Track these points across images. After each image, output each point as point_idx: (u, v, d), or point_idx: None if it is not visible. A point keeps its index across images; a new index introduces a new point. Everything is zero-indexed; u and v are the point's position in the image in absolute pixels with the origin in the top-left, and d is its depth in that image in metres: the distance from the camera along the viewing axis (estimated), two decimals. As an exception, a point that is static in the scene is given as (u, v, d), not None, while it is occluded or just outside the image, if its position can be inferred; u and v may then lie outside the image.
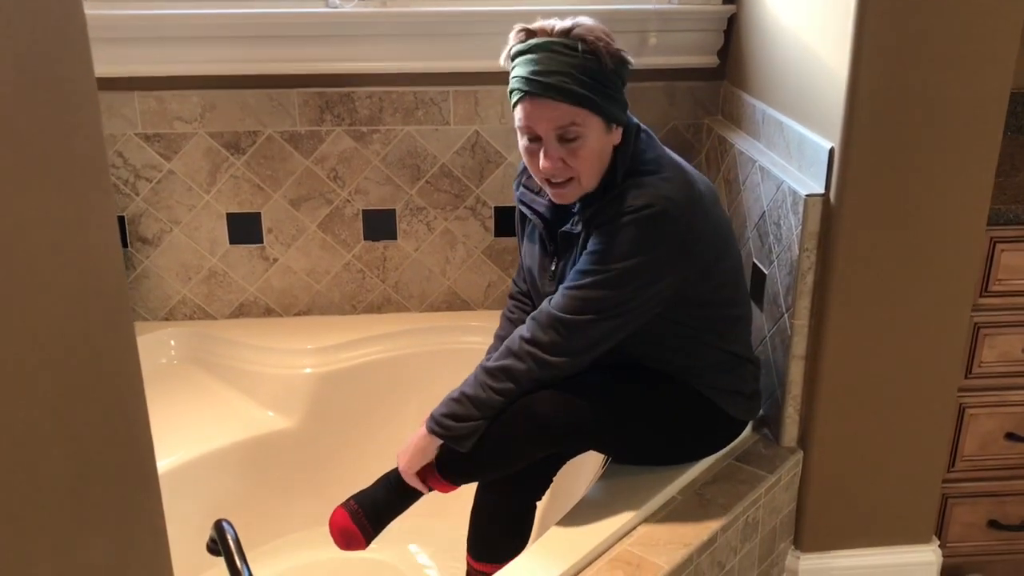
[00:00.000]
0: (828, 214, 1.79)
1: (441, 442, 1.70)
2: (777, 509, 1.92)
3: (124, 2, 2.26)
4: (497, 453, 1.70)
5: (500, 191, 2.44)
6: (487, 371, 1.68)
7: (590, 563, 1.62)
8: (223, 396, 2.33)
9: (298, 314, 2.52)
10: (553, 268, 1.76)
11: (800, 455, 1.94)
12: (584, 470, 1.98)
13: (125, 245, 2.39)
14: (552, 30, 1.58)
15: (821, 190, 1.80)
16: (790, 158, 1.95)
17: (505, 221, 2.47)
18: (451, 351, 2.44)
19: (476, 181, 2.43)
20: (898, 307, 1.84)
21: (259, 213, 2.41)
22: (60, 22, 0.66)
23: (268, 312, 2.51)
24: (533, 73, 1.57)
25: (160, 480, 2.13)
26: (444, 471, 1.73)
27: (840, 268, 1.80)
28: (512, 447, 1.69)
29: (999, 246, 1.91)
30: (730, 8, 2.31)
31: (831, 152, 1.77)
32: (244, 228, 2.42)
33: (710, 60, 2.38)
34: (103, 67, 2.24)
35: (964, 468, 2.09)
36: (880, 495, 1.98)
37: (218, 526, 1.30)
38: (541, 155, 1.61)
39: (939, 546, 2.04)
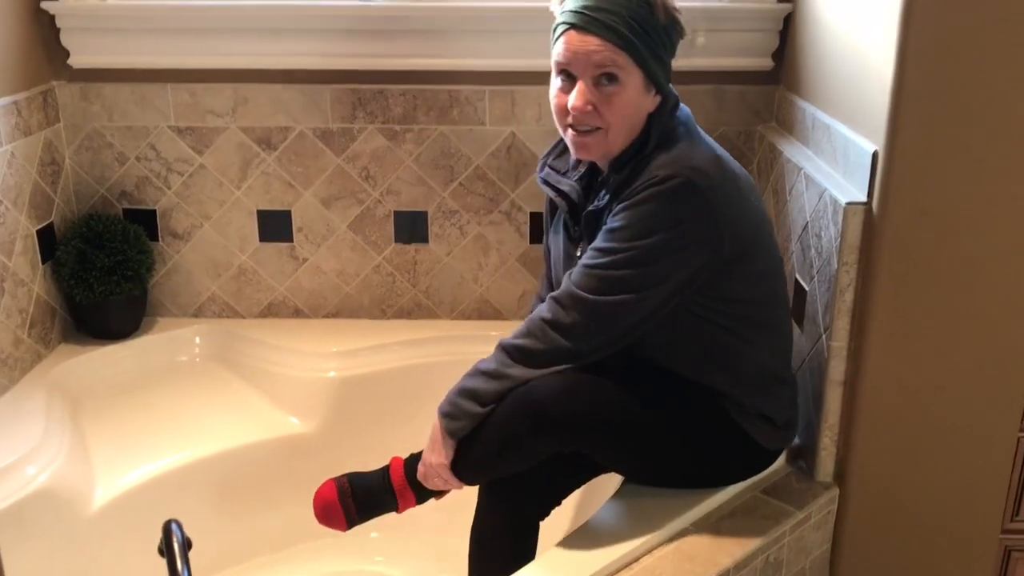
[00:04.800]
0: (870, 224, 1.62)
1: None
2: (806, 550, 1.74)
3: (158, -7, 2.25)
4: (494, 443, 1.58)
5: (536, 196, 2.33)
6: (504, 349, 1.58)
7: (582, 594, 1.49)
8: (242, 396, 2.28)
9: (327, 316, 2.46)
10: (579, 254, 1.64)
11: (836, 492, 1.76)
12: (600, 492, 1.85)
13: (156, 239, 2.37)
14: None
15: (863, 198, 1.63)
16: (836, 164, 1.79)
17: (541, 228, 2.34)
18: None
19: (511, 185, 2.33)
20: (949, 331, 1.65)
21: (289, 211, 2.36)
22: None
23: (297, 313, 2.45)
24: (583, 7, 1.49)
25: (169, 476, 2.10)
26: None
27: (882, 285, 1.63)
28: (509, 437, 1.56)
29: (1073, 269, 1.70)
30: (786, 7, 2.16)
31: (874, 156, 1.60)
32: (274, 226, 2.37)
33: (764, 63, 2.22)
34: (138, 58, 2.25)
35: (1031, 518, 1.87)
36: (928, 542, 1.78)
37: (166, 527, 1.23)
38: (572, 94, 1.52)
39: (997, 604, 1.83)
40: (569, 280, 1.55)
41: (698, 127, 1.61)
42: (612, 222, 1.52)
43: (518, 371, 1.55)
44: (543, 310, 1.56)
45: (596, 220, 1.59)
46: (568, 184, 1.67)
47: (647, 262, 1.49)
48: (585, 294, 1.51)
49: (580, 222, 1.63)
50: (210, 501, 2.12)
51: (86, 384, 2.22)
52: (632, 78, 1.51)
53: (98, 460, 2.02)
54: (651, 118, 1.56)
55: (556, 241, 1.73)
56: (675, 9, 1.53)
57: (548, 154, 1.75)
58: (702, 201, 1.47)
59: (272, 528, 2.22)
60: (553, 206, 1.76)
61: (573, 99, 1.52)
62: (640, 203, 1.48)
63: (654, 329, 1.56)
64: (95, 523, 1.91)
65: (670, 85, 1.59)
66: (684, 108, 1.62)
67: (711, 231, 1.49)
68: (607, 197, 1.56)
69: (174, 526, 1.25)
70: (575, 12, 1.50)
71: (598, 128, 1.54)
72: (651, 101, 1.56)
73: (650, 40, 1.50)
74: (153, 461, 2.06)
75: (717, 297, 1.56)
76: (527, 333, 1.56)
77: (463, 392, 1.59)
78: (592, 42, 1.48)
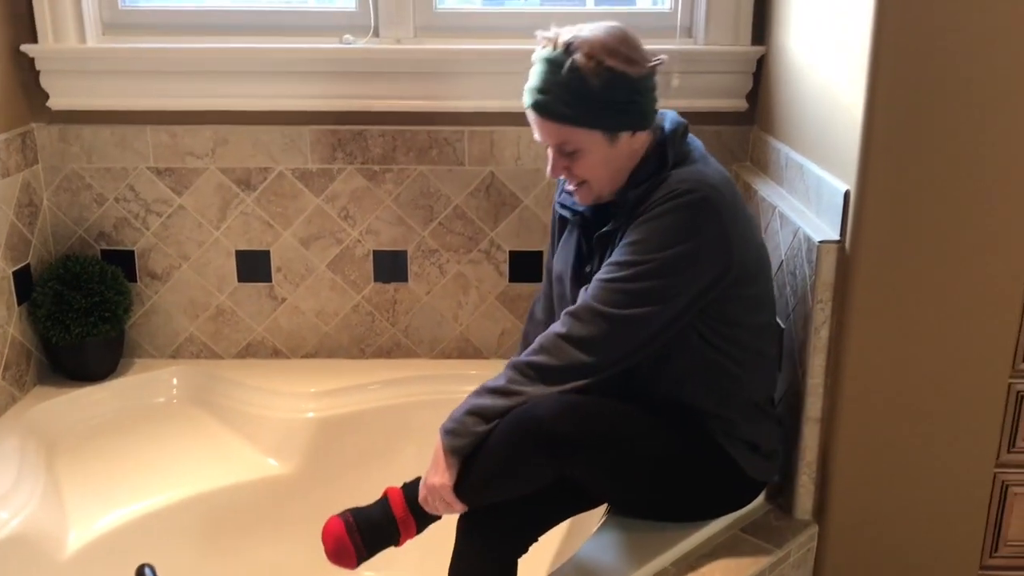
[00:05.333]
0: (844, 262, 1.64)
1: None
2: (787, 588, 1.74)
3: (138, 36, 2.27)
4: (495, 463, 1.56)
5: (516, 235, 2.35)
6: (515, 367, 1.57)
7: (561, 637, 1.48)
8: (220, 437, 2.26)
9: (305, 356, 2.45)
10: (588, 270, 1.67)
11: (815, 529, 1.76)
12: (582, 528, 1.85)
13: (134, 280, 2.37)
14: (555, 41, 1.55)
15: (836, 236, 1.65)
16: (809, 203, 1.81)
17: (520, 266, 2.37)
18: (459, 401, 2.32)
19: (491, 224, 2.34)
20: (923, 368, 1.66)
21: (268, 251, 2.36)
22: None
23: (275, 353, 2.44)
24: (529, 87, 1.58)
25: (145, 520, 2.07)
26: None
27: (857, 322, 1.64)
28: (510, 456, 1.55)
29: (1044, 305, 1.72)
30: (759, 49, 2.20)
31: (846, 195, 1.62)
32: (253, 266, 2.37)
33: (738, 104, 2.26)
34: (117, 100, 2.26)
35: (1009, 555, 1.86)
36: (907, 579, 1.78)
37: (139, 573, 1.22)
38: (549, 163, 1.62)
39: (978, 641, 1.82)
40: (586, 295, 1.57)
41: (709, 155, 1.66)
42: (630, 235, 1.55)
43: (531, 388, 1.55)
44: (557, 326, 1.57)
45: (609, 241, 1.62)
46: (584, 204, 1.71)
47: (666, 274, 1.51)
48: (604, 307, 1.53)
49: (591, 241, 1.67)
50: (187, 545, 2.09)
51: (61, 427, 2.20)
52: (591, 142, 1.56)
53: (72, 504, 1.99)
54: (666, 142, 1.61)
55: (565, 256, 1.75)
56: (612, 67, 1.52)
57: (565, 181, 1.78)
58: (719, 216, 1.52)
59: (250, 572, 2.19)
60: (562, 225, 1.79)
61: (548, 169, 1.62)
62: (660, 215, 1.52)
63: (661, 360, 1.58)
64: (68, 569, 1.88)
65: (669, 112, 1.65)
66: (694, 138, 1.68)
67: (725, 247, 1.53)
68: (622, 218, 1.59)
69: (148, 571, 1.23)
70: (528, 91, 1.58)
71: (583, 182, 1.61)
72: (633, 142, 1.59)
73: (593, 105, 1.53)
74: (128, 505, 2.03)
75: (718, 319, 1.58)
76: (541, 349, 1.56)
77: (469, 410, 1.58)
78: (544, 124, 1.57)
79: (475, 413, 1.57)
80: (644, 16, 2.30)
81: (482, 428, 1.56)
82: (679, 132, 1.63)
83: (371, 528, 1.65)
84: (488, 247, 2.36)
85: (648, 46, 2.20)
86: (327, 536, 1.66)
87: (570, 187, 1.65)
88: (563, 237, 1.79)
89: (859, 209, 1.60)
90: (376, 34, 2.26)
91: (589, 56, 1.51)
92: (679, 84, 2.21)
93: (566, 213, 1.75)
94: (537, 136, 1.61)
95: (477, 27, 2.29)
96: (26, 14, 2.19)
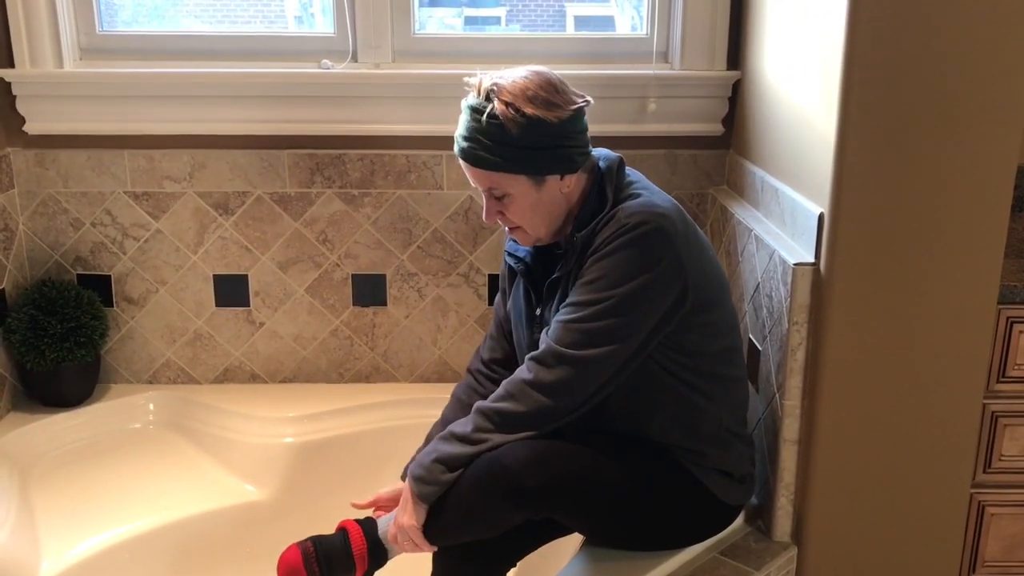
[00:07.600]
0: (819, 284, 1.65)
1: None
2: (766, 611, 1.73)
3: (116, 61, 2.27)
4: (466, 510, 1.57)
5: (494, 258, 2.35)
6: (482, 413, 1.57)
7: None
8: (196, 463, 2.24)
9: (283, 381, 2.44)
10: (538, 313, 1.67)
11: (794, 551, 1.76)
12: (559, 552, 1.83)
13: (111, 304, 2.35)
14: (479, 88, 1.55)
15: (811, 258, 1.66)
16: (784, 226, 1.83)
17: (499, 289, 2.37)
18: (437, 425, 2.32)
19: (469, 247, 2.35)
20: (898, 390, 1.67)
21: (246, 275, 2.35)
22: None
23: (253, 378, 2.43)
24: (456, 135, 1.59)
25: (120, 547, 2.04)
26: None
27: (832, 344, 1.65)
28: (482, 507, 1.56)
29: (1016, 327, 1.74)
30: (735, 74, 2.22)
31: (820, 218, 1.64)
32: (231, 290, 2.36)
33: (714, 128, 2.28)
34: (94, 124, 2.25)
35: (987, 575, 1.87)
36: (886, 600, 1.78)
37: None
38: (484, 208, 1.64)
39: (957, 662, 1.82)
40: (547, 338, 1.56)
41: (652, 184, 1.65)
42: (586, 274, 1.54)
43: (497, 436, 1.55)
44: (523, 372, 1.56)
45: (561, 287, 1.61)
46: (524, 250, 1.72)
47: (626, 310, 1.51)
48: (568, 350, 1.52)
49: (540, 289, 1.66)
50: (163, 573, 2.06)
51: (36, 453, 2.17)
52: (518, 186, 1.57)
53: (45, 531, 1.97)
54: (603, 179, 1.60)
55: (517, 305, 1.75)
56: (528, 114, 1.51)
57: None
58: (673, 246, 1.51)
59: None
60: (513, 273, 1.79)
61: (484, 214, 1.64)
62: (614, 251, 1.51)
63: (626, 394, 1.57)
64: (41, 598, 1.86)
65: (602, 151, 1.65)
66: (634, 170, 1.67)
67: (681, 275, 1.52)
68: (571, 261, 1.59)
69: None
70: (456, 138, 1.59)
71: (518, 226, 1.62)
72: (563, 185, 1.59)
73: (514, 151, 1.53)
74: (103, 532, 2.01)
75: (678, 350, 1.58)
76: (507, 396, 1.56)
77: (436, 458, 1.58)
78: (472, 171, 1.59)
79: (441, 461, 1.57)
80: (621, 41, 2.32)
81: (448, 477, 1.56)
82: (615, 167, 1.63)
83: (329, 559, 1.65)
84: (467, 271, 2.36)
85: (624, 71, 2.25)
86: (282, 565, 1.65)
87: (507, 228, 1.66)
88: (514, 284, 1.79)
89: (833, 232, 1.61)
90: (354, 59, 2.27)
91: (507, 104, 1.51)
92: (655, 109, 2.23)
93: (511, 261, 1.75)
94: (471, 181, 1.62)
95: (455, 52, 2.30)
96: (2, 39, 2.18)
